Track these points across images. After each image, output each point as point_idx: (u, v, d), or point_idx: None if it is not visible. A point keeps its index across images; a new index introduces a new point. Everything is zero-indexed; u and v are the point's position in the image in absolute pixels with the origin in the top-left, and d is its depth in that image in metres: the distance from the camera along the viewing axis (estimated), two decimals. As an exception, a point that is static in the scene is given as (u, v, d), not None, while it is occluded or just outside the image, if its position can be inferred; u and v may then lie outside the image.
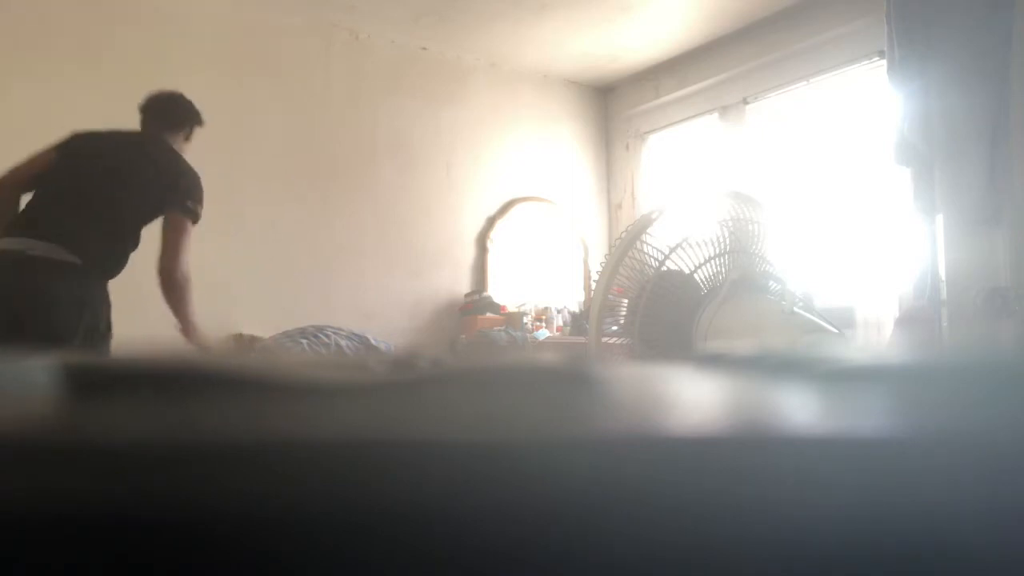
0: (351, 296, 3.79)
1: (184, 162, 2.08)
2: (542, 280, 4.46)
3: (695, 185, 4.31)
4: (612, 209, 4.89)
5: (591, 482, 0.18)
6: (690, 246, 1.79)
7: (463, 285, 4.23)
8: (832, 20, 3.46)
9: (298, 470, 0.18)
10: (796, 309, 1.63)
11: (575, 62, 4.43)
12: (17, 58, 3.03)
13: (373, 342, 3.22)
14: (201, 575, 0.17)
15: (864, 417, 0.26)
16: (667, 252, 1.78)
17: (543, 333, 4.02)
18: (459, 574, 0.18)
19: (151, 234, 3.32)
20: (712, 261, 1.80)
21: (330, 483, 0.18)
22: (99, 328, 1.88)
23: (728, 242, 1.82)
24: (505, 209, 4.41)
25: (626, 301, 1.82)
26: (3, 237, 1.76)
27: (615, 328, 1.85)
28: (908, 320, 1.88)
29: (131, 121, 3.31)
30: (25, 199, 1.92)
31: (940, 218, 1.67)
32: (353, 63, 3.92)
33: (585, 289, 4.54)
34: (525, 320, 4.06)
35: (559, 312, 4.27)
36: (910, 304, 1.84)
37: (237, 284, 3.48)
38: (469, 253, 4.28)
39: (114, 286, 3.24)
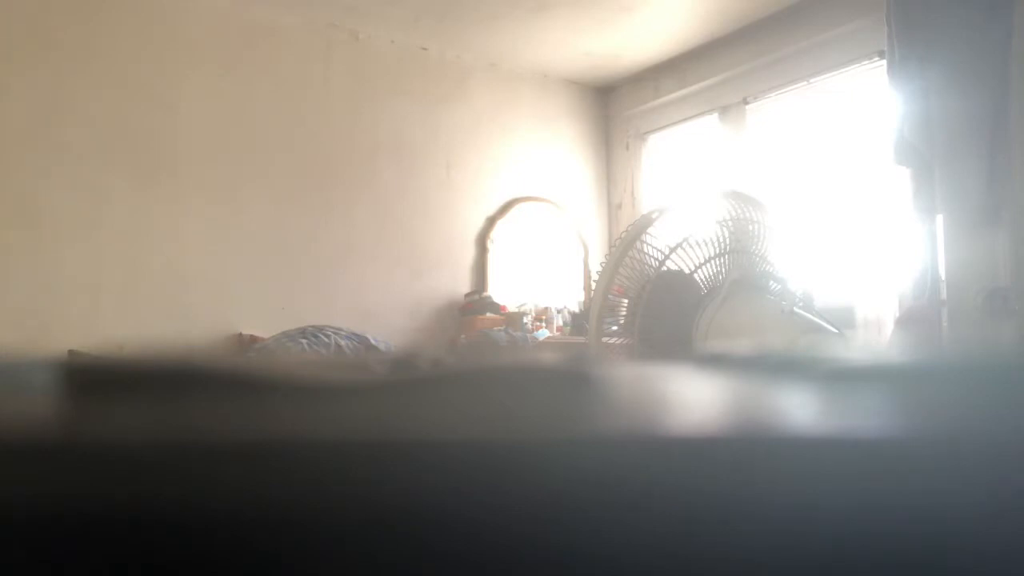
0: (351, 296, 3.79)
1: None
2: (542, 280, 4.46)
3: (695, 185, 4.31)
4: (612, 209, 4.89)
5: (591, 482, 0.18)
6: (690, 246, 1.79)
7: (463, 285, 4.23)
8: (832, 20, 3.46)
9: (298, 470, 0.18)
10: (796, 309, 1.63)
11: (575, 62, 4.43)
12: (16, 57, 3.03)
13: (373, 342, 3.21)
14: (201, 575, 0.17)
15: (864, 417, 0.26)
16: (667, 252, 1.79)
17: (543, 333, 4.02)
18: (459, 573, 0.18)
19: (152, 235, 3.32)
20: (712, 261, 1.80)
21: (330, 483, 0.18)
22: None
23: (728, 242, 1.82)
24: (505, 209, 4.41)
25: (626, 301, 1.82)
26: None
27: (615, 328, 1.85)
28: (908, 320, 1.88)
29: (130, 120, 3.32)
30: None
31: (940, 218, 1.67)
32: (353, 63, 3.92)
33: (585, 289, 4.54)
34: (525, 320, 4.06)
35: (559, 312, 4.27)
36: (910, 304, 1.84)
37: (237, 284, 3.48)
38: (469, 253, 4.28)
39: (114, 286, 3.25)
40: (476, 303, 4.09)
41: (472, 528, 0.18)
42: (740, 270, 1.78)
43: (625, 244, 1.83)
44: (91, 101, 3.18)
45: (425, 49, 4.16)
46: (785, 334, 1.55)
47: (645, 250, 1.81)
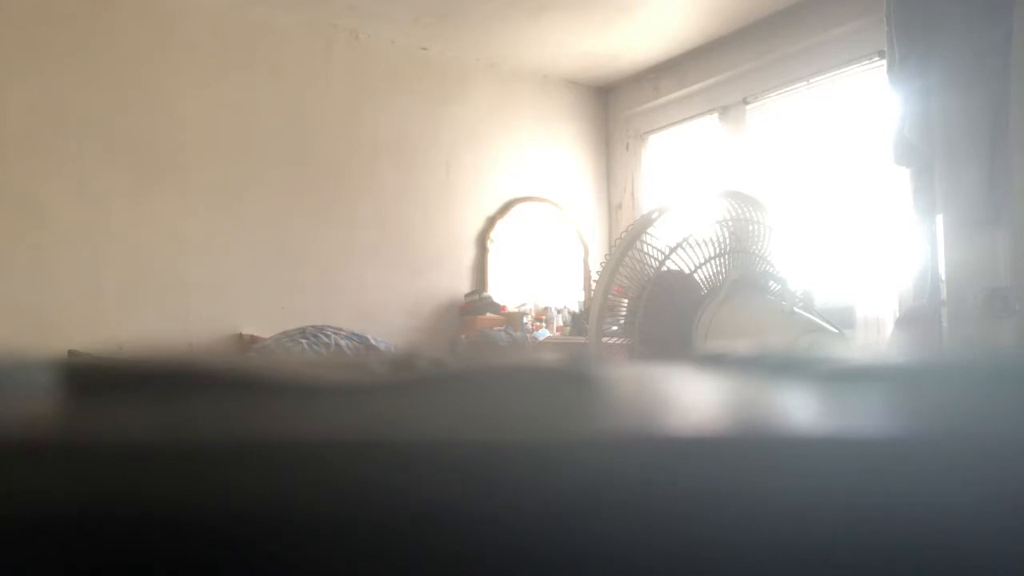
0: (351, 296, 3.79)
1: None
2: (542, 280, 4.46)
3: (695, 185, 4.31)
4: (612, 209, 4.89)
5: (591, 482, 0.18)
6: (690, 246, 1.79)
7: (463, 285, 4.23)
8: (832, 20, 3.46)
9: (298, 470, 0.18)
10: (796, 309, 1.63)
11: (575, 62, 4.43)
12: (16, 57, 3.03)
13: (373, 342, 3.21)
14: (201, 575, 0.17)
15: (864, 417, 0.26)
16: (667, 252, 1.79)
17: (543, 333, 4.02)
18: (459, 573, 0.18)
19: (152, 235, 3.32)
20: (712, 261, 1.80)
21: (330, 483, 0.18)
22: None
23: (728, 242, 1.82)
24: (505, 209, 4.41)
25: (626, 301, 1.82)
26: None
27: (615, 328, 1.85)
28: (908, 320, 1.88)
29: (130, 120, 3.32)
30: None
31: (940, 218, 1.67)
32: (353, 63, 3.92)
33: (585, 289, 4.54)
34: (525, 320, 4.06)
35: (559, 312, 4.27)
36: (910, 304, 1.84)
37: (237, 284, 3.48)
38: (469, 253, 4.28)
39: (114, 287, 3.24)
40: (476, 303, 4.09)
41: (472, 528, 0.18)
42: (740, 270, 1.78)
43: (625, 244, 1.83)
44: (91, 101, 3.18)
45: (425, 49, 4.16)
46: (785, 334, 1.55)
47: (645, 250, 1.81)
